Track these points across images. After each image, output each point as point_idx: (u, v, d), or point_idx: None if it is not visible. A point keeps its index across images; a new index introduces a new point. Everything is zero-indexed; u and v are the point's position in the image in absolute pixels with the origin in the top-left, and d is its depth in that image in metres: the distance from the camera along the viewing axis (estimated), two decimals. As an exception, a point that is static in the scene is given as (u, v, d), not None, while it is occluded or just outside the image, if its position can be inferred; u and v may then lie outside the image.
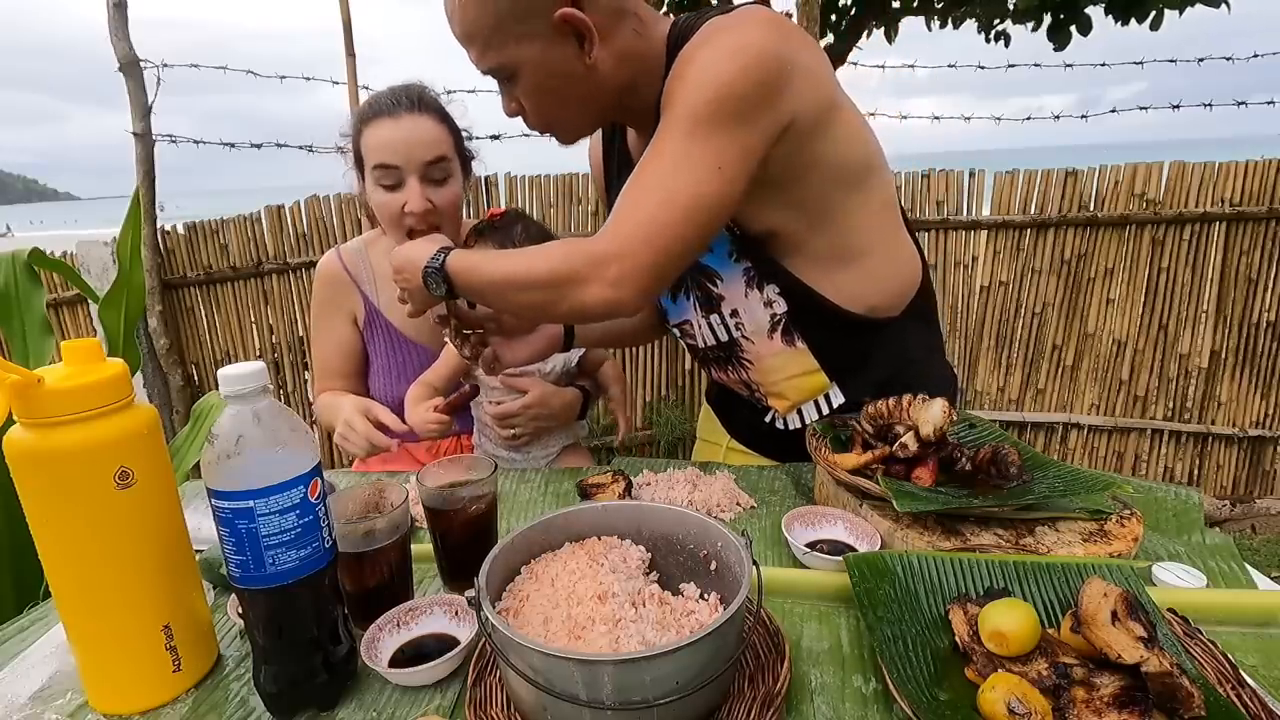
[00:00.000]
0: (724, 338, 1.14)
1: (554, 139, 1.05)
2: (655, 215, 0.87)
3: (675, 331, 1.24)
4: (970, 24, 4.43)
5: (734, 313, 1.11)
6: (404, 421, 1.21)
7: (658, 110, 0.93)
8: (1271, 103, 3.37)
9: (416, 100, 1.25)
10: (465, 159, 1.35)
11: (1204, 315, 2.81)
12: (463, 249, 0.99)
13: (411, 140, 1.22)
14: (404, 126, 1.23)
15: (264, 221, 2.78)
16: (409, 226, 1.26)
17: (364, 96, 2.71)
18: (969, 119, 3.77)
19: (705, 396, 1.41)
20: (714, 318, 1.13)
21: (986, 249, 2.92)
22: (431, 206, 1.25)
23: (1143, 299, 2.84)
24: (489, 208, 2.89)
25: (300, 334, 2.90)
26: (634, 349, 3.13)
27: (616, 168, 1.17)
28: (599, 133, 1.22)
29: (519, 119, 1.02)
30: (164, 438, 0.68)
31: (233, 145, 2.95)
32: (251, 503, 0.60)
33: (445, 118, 1.29)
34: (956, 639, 0.66)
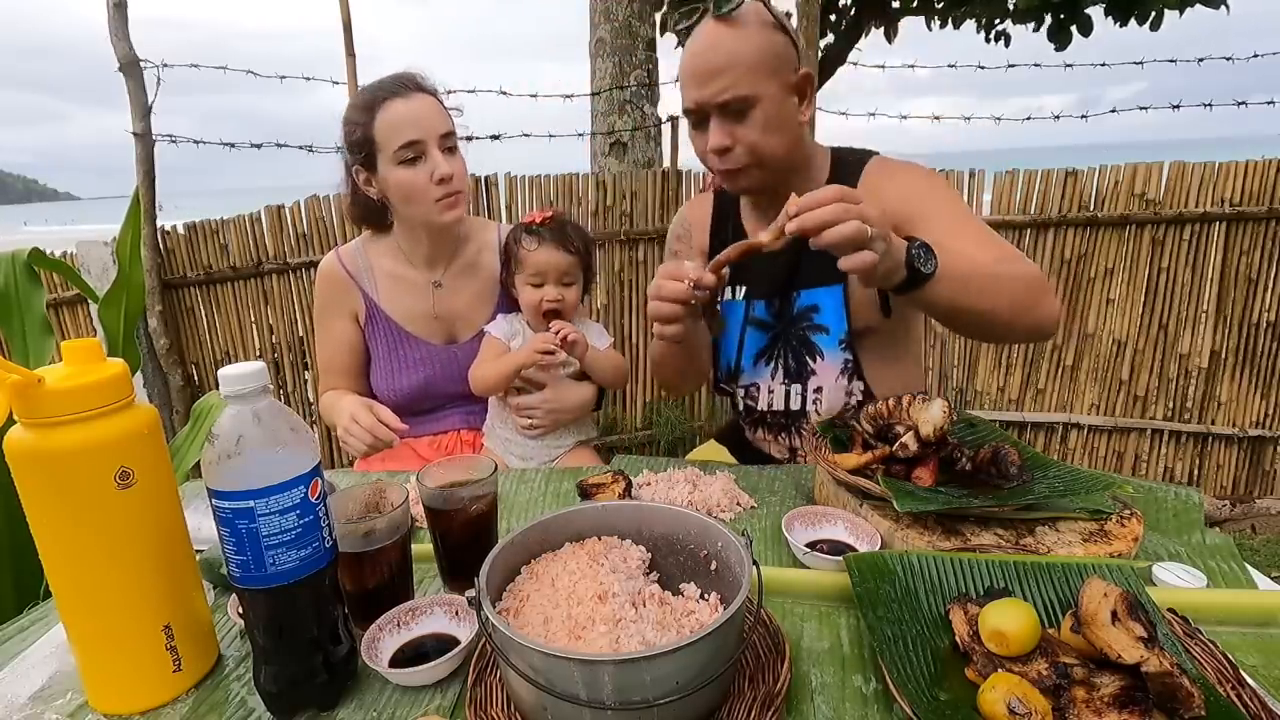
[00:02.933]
0: (795, 407, 1.27)
1: (730, 182, 1.17)
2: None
3: (734, 390, 1.36)
4: (970, 24, 4.43)
5: (818, 389, 1.25)
6: (403, 422, 1.24)
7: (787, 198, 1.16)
8: (1271, 103, 3.37)
9: (417, 84, 1.32)
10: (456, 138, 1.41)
11: (1204, 315, 2.81)
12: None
13: (428, 114, 1.29)
14: (417, 104, 1.29)
15: (264, 221, 2.78)
16: (438, 195, 1.30)
17: (364, 97, 2.72)
18: (969, 119, 3.77)
19: (718, 440, 1.47)
20: (795, 387, 1.27)
21: (986, 249, 2.92)
22: (453, 174, 1.31)
23: (1143, 299, 2.84)
24: (477, 206, 2.89)
25: (300, 334, 2.90)
26: (635, 349, 3.14)
27: (728, 238, 1.31)
28: (705, 202, 1.39)
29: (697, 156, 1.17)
30: (164, 438, 0.68)
31: (233, 145, 2.95)
32: (252, 503, 0.60)
33: (439, 99, 1.36)
34: (956, 639, 0.66)
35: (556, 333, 1.32)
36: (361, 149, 1.32)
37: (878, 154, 1.24)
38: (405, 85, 1.31)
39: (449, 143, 1.32)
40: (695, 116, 1.13)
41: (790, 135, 1.14)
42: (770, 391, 1.29)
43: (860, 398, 1.24)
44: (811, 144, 1.22)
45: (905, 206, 1.13)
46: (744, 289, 1.30)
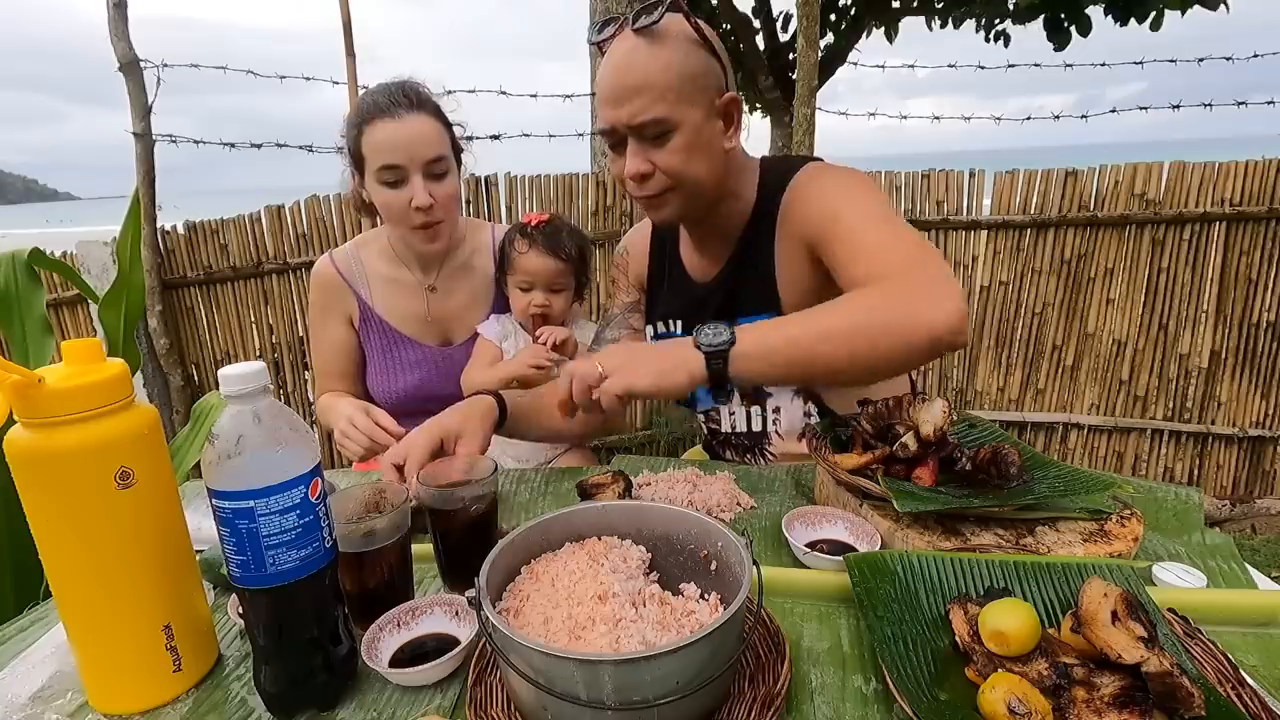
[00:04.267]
0: (757, 428, 1.24)
1: (654, 212, 1.11)
2: (910, 235, 0.96)
3: (697, 416, 1.35)
4: (970, 24, 4.44)
5: (776, 409, 1.21)
6: (400, 426, 1.22)
7: (725, 231, 1.15)
8: (1271, 103, 3.37)
9: (415, 100, 1.27)
10: (458, 154, 1.37)
11: (1204, 315, 2.80)
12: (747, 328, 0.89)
13: (413, 139, 1.25)
14: (405, 126, 1.24)
15: (264, 221, 2.78)
16: (417, 223, 1.29)
17: (364, 97, 2.72)
18: (969, 119, 3.77)
19: (703, 445, 1.46)
20: (755, 409, 1.23)
21: (986, 249, 2.92)
22: (434, 202, 1.28)
23: (1143, 299, 2.84)
24: (477, 207, 2.89)
25: (300, 334, 2.90)
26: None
27: (666, 269, 1.29)
28: (646, 230, 1.33)
29: (632, 179, 1.06)
30: (164, 438, 0.68)
31: (233, 145, 2.95)
32: (252, 503, 0.60)
33: (440, 115, 1.31)
34: (956, 639, 0.66)
35: (545, 342, 1.31)
36: (353, 159, 1.31)
37: (814, 161, 1.13)
38: (397, 103, 1.25)
39: (438, 168, 1.28)
40: (611, 138, 1.05)
41: (714, 162, 1.06)
42: (731, 414, 1.26)
43: (817, 416, 1.20)
44: (742, 166, 1.13)
45: (814, 227, 1.04)
46: (681, 322, 1.26)
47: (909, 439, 0.89)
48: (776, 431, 1.23)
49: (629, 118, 1.00)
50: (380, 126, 1.24)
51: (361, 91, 2.68)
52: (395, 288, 1.43)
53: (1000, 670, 0.60)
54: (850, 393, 1.14)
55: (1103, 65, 3.92)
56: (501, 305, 1.45)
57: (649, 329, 1.33)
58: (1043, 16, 3.81)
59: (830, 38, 4.52)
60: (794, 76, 3.01)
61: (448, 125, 1.33)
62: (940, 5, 4.28)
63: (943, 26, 4.50)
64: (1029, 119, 3.93)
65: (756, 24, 4.34)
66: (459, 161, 1.38)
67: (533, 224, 1.36)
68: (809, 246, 1.07)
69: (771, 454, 1.25)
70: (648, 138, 1.02)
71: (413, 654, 0.71)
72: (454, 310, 1.45)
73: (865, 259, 0.95)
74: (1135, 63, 3.87)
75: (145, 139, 2.57)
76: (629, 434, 3.22)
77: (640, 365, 0.86)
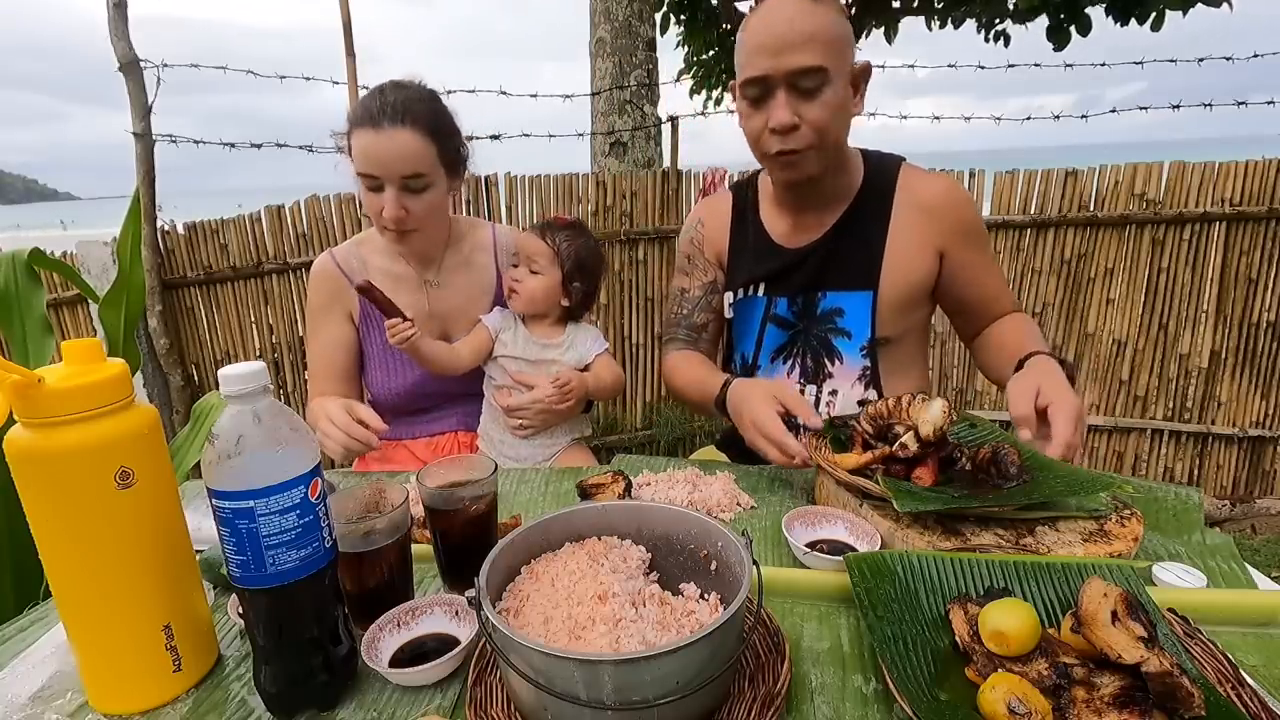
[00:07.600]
0: None
1: (788, 170, 1.14)
2: None
3: None
4: (970, 24, 4.44)
5: (834, 392, 1.25)
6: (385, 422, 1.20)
7: (829, 200, 1.21)
8: (1271, 103, 3.37)
9: (401, 112, 1.23)
10: (452, 161, 1.33)
11: (1204, 315, 2.80)
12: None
13: (390, 154, 1.23)
14: (384, 140, 1.22)
15: (264, 221, 2.77)
16: (386, 226, 1.30)
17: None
18: (969, 119, 3.76)
19: (717, 446, 1.46)
20: (811, 388, 1.26)
21: (986, 249, 2.92)
22: (406, 214, 1.27)
23: (1143, 299, 2.84)
24: (477, 207, 2.90)
25: (300, 334, 2.90)
26: (635, 349, 3.14)
27: (751, 236, 1.30)
28: (726, 205, 1.35)
29: (780, 133, 1.09)
30: (164, 438, 0.68)
31: (233, 145, 2.95)
32: (252, 503, 0.60)
33: (428, 128, 1.26)
34: (956, 639, 0.66)
35: (562, 386, 1.33)
36: (348, 152, 1.30)
37: (904, 161, 1.23)
38: (384, 112, 1.22)
39: (415, 183, 1.26)
40: (759, 89, 1.08)
41: (846, 125, 1.12)
42: None
43: None
44: (847, 141, 1.20)
45: (966, 241, 1.20)
46: (764, 286, 1.28)
47: (909, 439, 0.89)
48: (830, 414, 1.23)
49: (789, 65, 1.04)
50: (362, 135, 1.23)
51: (362, 91, 2.68)
52: (396, 283, 1.43)
53: (1000, 670, 0.60)
54: (911, 383, 1.26)
55: (1103, 65, 3.91)
56: (503, 303, 1.46)
57: (729, 295, 1.33)
58: (1043, 16, 3.81)
59: (830, 38, 4.51)
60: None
61: (438, 136, 1.28)
62: (940, 5, 4.28)
63: (942, 27, 4.50)
64: (1029, 119, 3.92)
65: (757, 24, 4.33)
66: (455, 169, 1.34)
67: (557, 222, 1.40)
68: (950, 251, 1.20)
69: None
70: (799, 90, 1.06)
71: (413, 654, 0.71)
72: (454, 306, 1.45)
73: (1007, 298, 1.25)
74: (1135, 63, 3.86)
75: (145, 139, 2.57)
76: (629, 434, 3.22)
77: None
